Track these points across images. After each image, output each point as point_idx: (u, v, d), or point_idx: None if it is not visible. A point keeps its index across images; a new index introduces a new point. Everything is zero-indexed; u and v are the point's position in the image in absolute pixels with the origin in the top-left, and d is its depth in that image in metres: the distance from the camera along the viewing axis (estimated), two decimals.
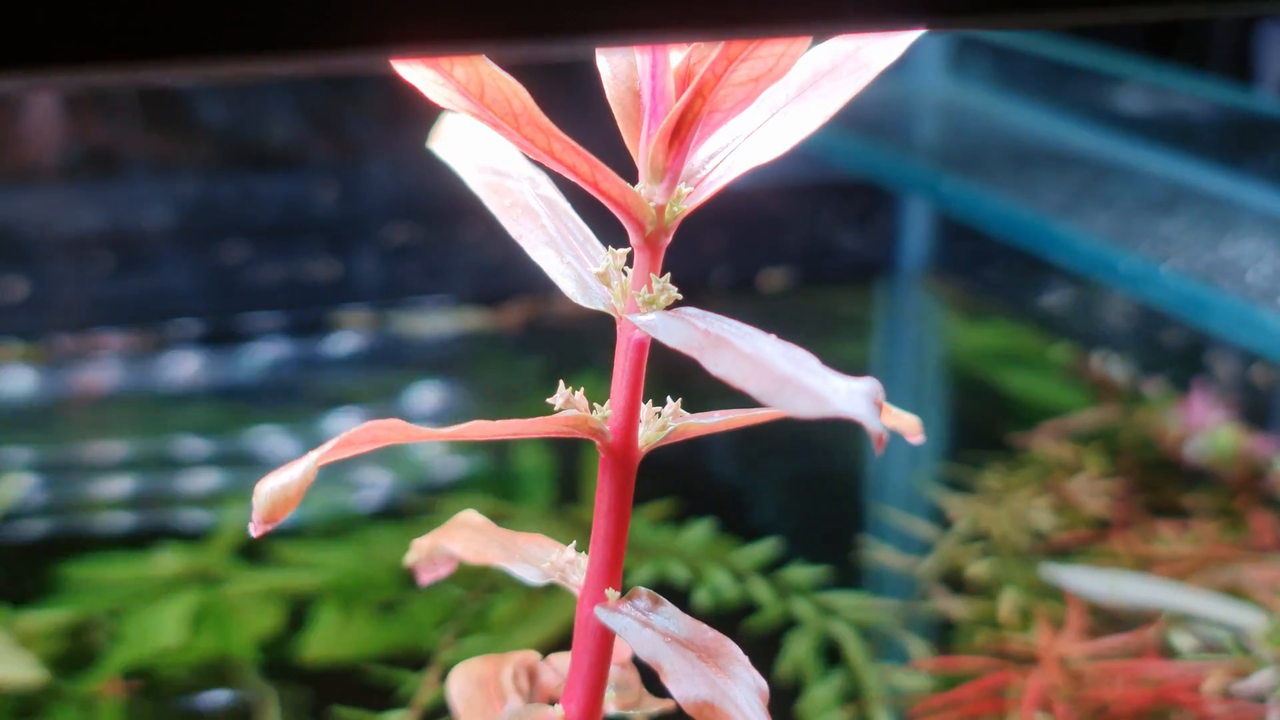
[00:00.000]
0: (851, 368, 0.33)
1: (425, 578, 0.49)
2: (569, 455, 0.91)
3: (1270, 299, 0.92)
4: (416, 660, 0.70)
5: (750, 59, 0.35)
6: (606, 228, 0.42)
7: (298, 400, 1.06)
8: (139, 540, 0.82)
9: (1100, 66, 1.31)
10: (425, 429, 0.38)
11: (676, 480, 0.87)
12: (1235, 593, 0.75)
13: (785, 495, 0.94)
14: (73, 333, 1.11)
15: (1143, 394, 1.03)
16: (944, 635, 0.73)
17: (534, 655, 0.49)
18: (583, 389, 0.41)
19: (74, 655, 0.71)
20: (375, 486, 0.89)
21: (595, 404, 0.41)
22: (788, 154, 0.39)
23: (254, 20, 0.25)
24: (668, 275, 0.39)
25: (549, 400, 0.41)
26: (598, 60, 0.38)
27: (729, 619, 0.70)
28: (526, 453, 0.92)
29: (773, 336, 0.34)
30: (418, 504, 0.86)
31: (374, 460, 0.91)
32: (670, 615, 0.41)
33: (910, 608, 0.75)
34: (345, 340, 1.14)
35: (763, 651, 0.71)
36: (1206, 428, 0.93)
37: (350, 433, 0.37)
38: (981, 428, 1.01)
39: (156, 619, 0.74)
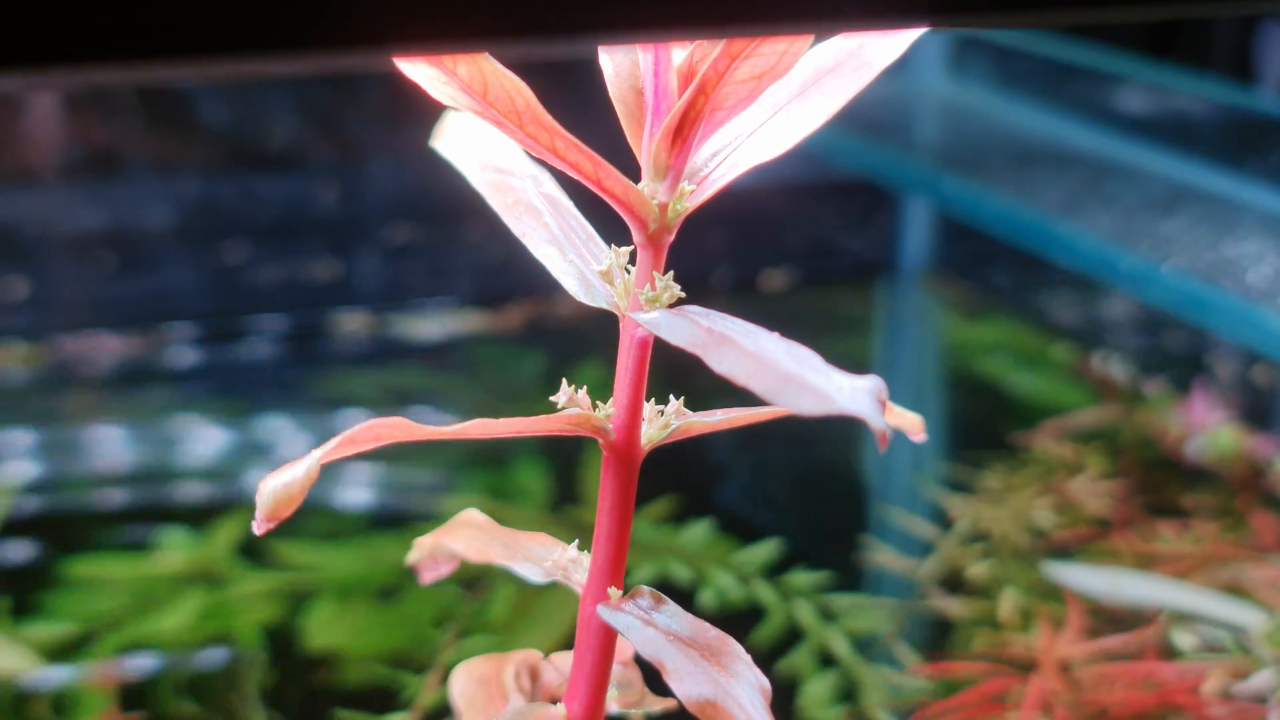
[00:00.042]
0: (853, 367, 0.33)
1: (427, 576, 0.49)
2: (567, 457, 0.91)
3: (1271, 299, 0.92)
4: (418, 663, 0.70)
5: (753, 56, 0.35)
6: (609, 226, 0.42)
7: (298, 400, 1.06)
8: (139, 540, 0.82)
9: (1101, 66, 1.31)
10: (428, 427, 0.38)
11: (677, 480, 0.87)
12: (1236, 591, 0.75)
13: (786, 495, 0.94)
14: (73, 333, 1.11)
15: (1143, 394, 1.03)
16: (945, 637, 0.73)
17: (536, 654, 0.49)
18: (585, 387, 0.41)
19: (71, 648, 0.71)
20: (372, 487, 0.89)
21: (598, 402, 0.41)
22: (789, 153, 0.39)
23: (258, 20, 0.25)
24: (670, 273, 0.39)
25: (552, 398, 0.41)
26: (600, 58, 0.38)
27: (728, 621, 0.70)
28: (524, 453, 0.92)
29: (776, 334, 0.34)
30: (415, 505, 0.86)
31: (373, 460, 0.91)
32: (673, 614, 0.41)
33: (911, 609, 0.75)
34: (346, 340, 1.14)
35: (762, 653, 0.71)
36: (1207, 427, 0.93)
37: (353, 431, 0.37)
38: (982, 427, 1.01)
39: (158, 619, 0.74)
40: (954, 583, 0.77)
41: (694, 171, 0.39)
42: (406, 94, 0.39)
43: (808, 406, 0.31)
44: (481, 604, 0.74)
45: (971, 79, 1.43)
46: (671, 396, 0.42)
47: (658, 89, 0.37)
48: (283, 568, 0.78)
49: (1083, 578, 0.77)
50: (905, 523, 0.84)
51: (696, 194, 0.39)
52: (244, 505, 0.86)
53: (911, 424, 0.45)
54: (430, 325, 1.17)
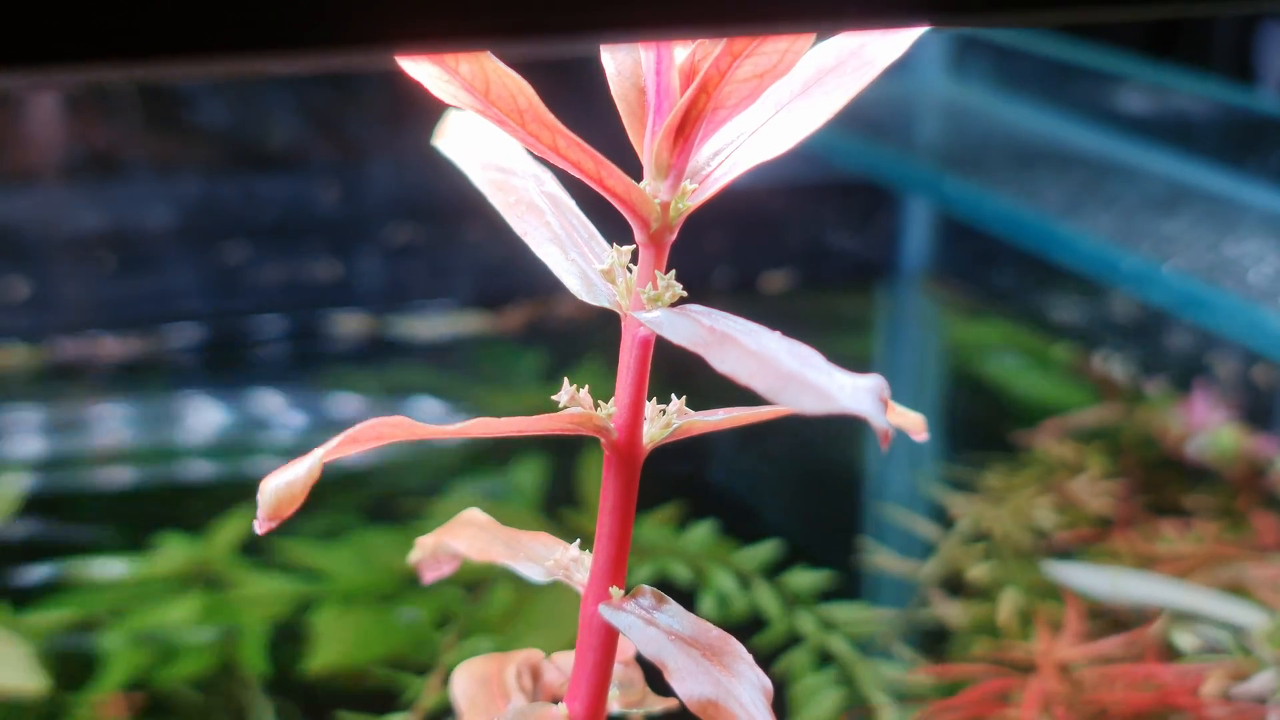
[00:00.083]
0: (854, 367, 0.32)
1: (429, 576, 0.49)
2: (566, 459, 0.91)
3: (1272, 299, 0.92)
4: (419, 665, 0.70)
5: (754, 55, 0.35)
6: (611, 225, 0.42)
7: (299, 400, 1.05)
8: (140, 540, 0.82)
9: (1101, 66, 1.31)
10: (430, 426, 0.38)
11: (677, 479, 0.87)
12: (1237, 591, 0.75)
13: (786, 495, 0.94)
14: (74, 333, 1.11)
15: (1144, 393, 1.03)
16: (945, 638, 0.73)
17: (537, 653, 0.49)
18: (588, 386, 0.41)
19: (78, 663, 0.71)
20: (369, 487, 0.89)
21: (600, 401, 0.41)
22: (790, 153, 0.39)
23: (258, 19, 0.25)
24: (673, 272, 0.39)
25: (554, 397, 0.41)
26: (602, 56, 0.38)
27: (729, 625, 0.70)
28: (523, 455, 0.92)
29: (778, 333, 0.34)
30: (412, 507, 0.86)
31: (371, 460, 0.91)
32: (674, 613, 0.41)
33: (911, 610, 0.75)
34: (346, 340, 1.14)
35: (762, 654, 0.71)
36: (1208, 427, 0.93)
37: (355, 429, 0.37)
38: (983, 427, 1.01)
39: (161, 620, 0.74)
40: (955, 584, 0.77)
41: (696, 170, 0.39)
42: (407, 94, 0.39)
43: (810, 405, 0.31)
44: (481, 605, 0.74)
45: (972, 79, 1.43)
46: (673, 395, 0.42)
47: (660, 87, 0.37)
48: (283, 569, 0.78)
49: (1084, 577, 0.77)
50: (906, 522, 0.84)
51: (698, 193, 0.39)
52: (245, 504, 0.86)
53: (913, 423, 0.45)
54: (430, 326, 1.17)
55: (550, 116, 0.36)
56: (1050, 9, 0.33)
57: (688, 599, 0.74)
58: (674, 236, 0.39)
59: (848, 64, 0.38)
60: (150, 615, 0.74)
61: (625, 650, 0.46)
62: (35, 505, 0.87)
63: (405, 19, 0.26)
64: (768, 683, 0.39)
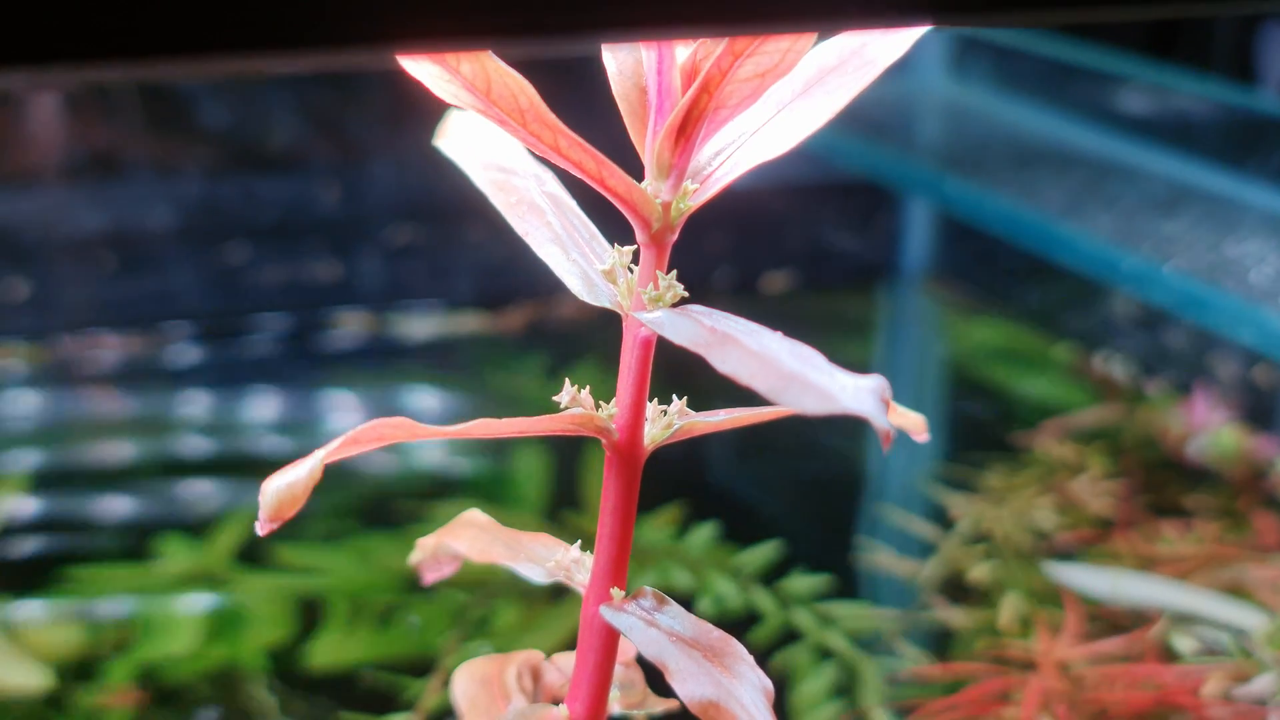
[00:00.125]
0: (855, 368, 0.32)
1: (430, 576, 0.49)
2: (567, 460, 0.91)
3: (1272, 299, 0.92)
4: (420, 666, 0.70)
5: (756, 55, 0.35)
6: (612, 225, 0.42)
7: (299, 400, 1.05)
8: (141, 541, 0.82)
9: (1101, 66, 1.31)
10: (431, 427, 0.38)
11: (677, 479, 0.87)
12: (1237, 592, 0.75)
13: (787, 496, 0.94)
14: (74, 333, 1.11)
15: (1145, 394, 1.03)
16: (946, 639, 0.73)
17: (538, 655, 0.49)
18: (589, 387, 0.41)
19: (82, 661, 0.71)
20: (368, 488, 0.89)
21: (601, 402, 0.41)
22: (790, 154, 0.39)
23: (258, 19, 0.25)
24: (674, 272, 0.39)
25: (555, 398, 0.40)
26: (604, 56, 0.38)
27: (728, 627, 0.70)
28: (523, 457, 0.92)
29: (779, 334, 0.34)
30: (410, 508, 0.86)
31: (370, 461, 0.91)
32: (675, 614, 0.41)
33: (912, 611, 0.75)
34: (346, 341, 1.14)
35: (762, 654, 0.71)
36: (1209, 428, 0.93)
37: (356, 430, 0.37)
38: (984, 427, 1.01)
39: (163, 622, 0.74)
40: (955, 585, 0.77)
41: (697, 170, 0.39)
42: (407, 94, 0.39)
43: (811, 406, 0.31)
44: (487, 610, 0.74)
45: (973, 79, 1.43)
46: (674, 396, 0.42)
47: (661, 87, 0.37)
48: (284, 570, 0.78)
49: (1084, 578, 0.77)
50: (906, 523, 0.84)
51: (700, 193, 0.38)
52: (245, 507, 0.85)
53: (914, 424, 0.45)
54: (431, 326, 1.17)
55: (552, 116, 0.36)
56: (1050, 9, 0.33)
57: (686, 604, 0.74)
58: (675, 237, 0.39)
59: (849, 63, 0.38)
60: (150, 615, 0.74)
61: (626, 651, 0.46)
62: (35, 504, 0.87)
63: (406, 18, 0.26)
64: (769, 684, 0.39)
